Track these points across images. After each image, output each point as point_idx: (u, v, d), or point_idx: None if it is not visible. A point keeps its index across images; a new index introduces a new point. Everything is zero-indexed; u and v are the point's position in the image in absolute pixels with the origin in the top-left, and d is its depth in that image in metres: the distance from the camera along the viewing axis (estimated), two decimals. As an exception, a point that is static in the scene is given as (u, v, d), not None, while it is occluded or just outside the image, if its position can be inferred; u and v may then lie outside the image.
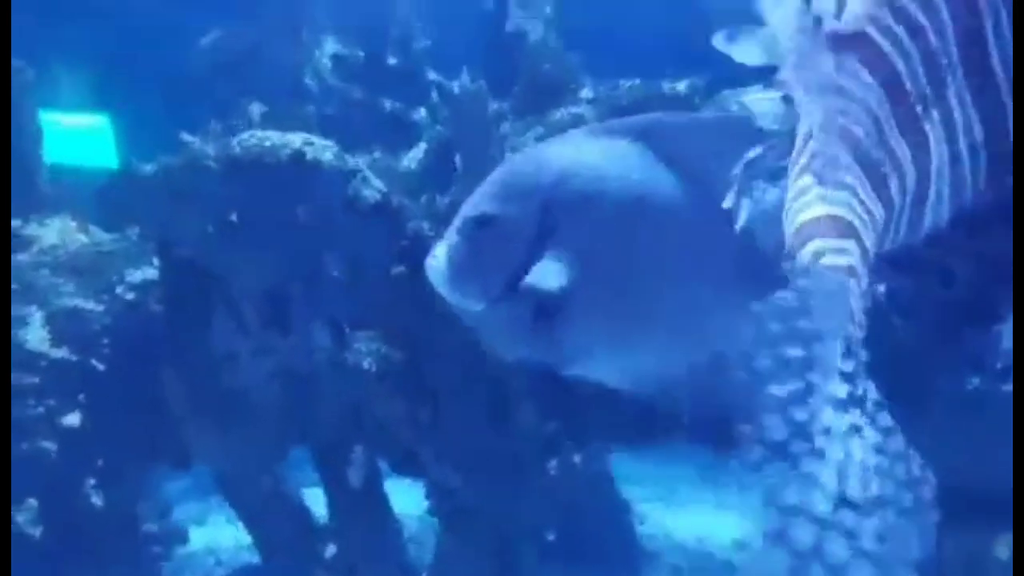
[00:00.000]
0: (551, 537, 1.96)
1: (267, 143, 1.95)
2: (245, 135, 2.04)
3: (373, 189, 1.89)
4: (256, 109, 3.43)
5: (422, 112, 3.34)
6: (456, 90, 3.46)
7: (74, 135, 3.55)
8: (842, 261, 0.68)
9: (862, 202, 0.71)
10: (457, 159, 2.14)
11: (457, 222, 0.96)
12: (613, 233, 0.95)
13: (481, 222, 0.94)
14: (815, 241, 0.68)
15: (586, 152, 0.96)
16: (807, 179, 0.72)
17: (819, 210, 0.71)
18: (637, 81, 2.31)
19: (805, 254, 0.68)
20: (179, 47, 3.84)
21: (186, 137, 2.65)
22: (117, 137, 3.70)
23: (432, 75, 3.68)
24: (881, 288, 0.83)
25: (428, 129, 2.93)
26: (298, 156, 1.87)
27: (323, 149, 1.96)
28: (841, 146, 0.72)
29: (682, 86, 2.26)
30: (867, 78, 0.71)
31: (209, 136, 3.26)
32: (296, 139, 1.97)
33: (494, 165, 2.24)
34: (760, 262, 1.00)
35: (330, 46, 3.59)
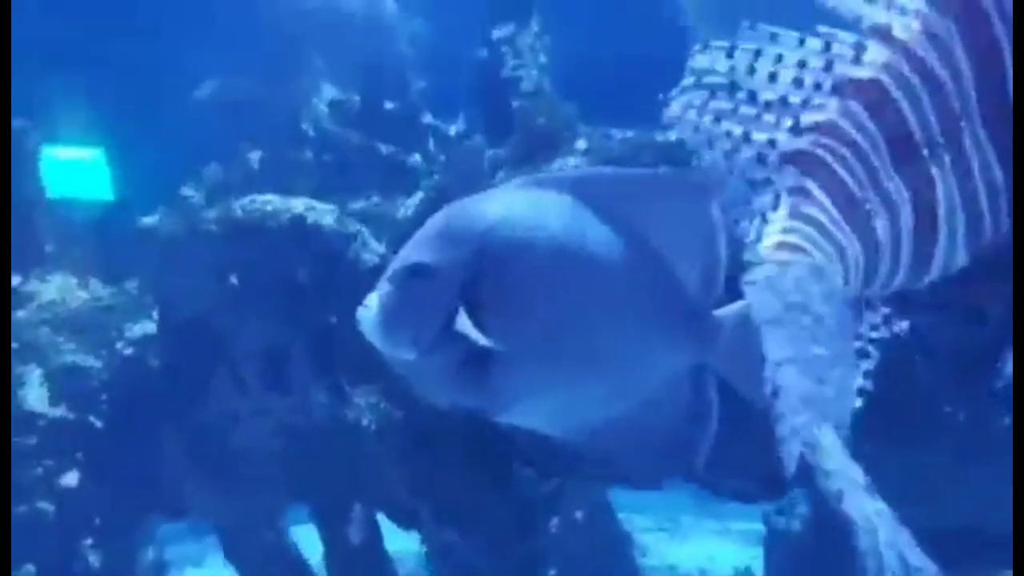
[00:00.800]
0: (552, 573, 1.95)
1: (268, 207, 1.96)
2: (246, 199, 2.05)
3: (372, 252, 1.90)
4: (254, 156, 3.46)
5: (417, 157, 3.38)
6: (452, 134, 3.51)
7: (70, 167, 3.58)
8: (786, 255, 0.76)
9: (829, 236, 0.77)
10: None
11: (389, 271, 0.97)
12: (544, 282, 0.96)
13: (413, 271, 0.95)
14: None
15: (519, 203, 0.97)
16: (782, 211, 0.79)
17: (777, 239, 0.79)
18: (629, 133, 2.34)
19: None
20: (179, 90, 3.89)
21: (186, 191, 2.67)
22: (113, 170, 3.74)
23: (428, 118, 3.73)
24: (904, 325, 0.85)
25: (425, 178, 2.95)
26: (299, 220, 1.89)
27: (324, 213, 1.97)
28: (818, 183, 0.77)
29: (675, 136, 2.28)
30: (868, 123, 0.76)
31: (207, 184, 3.30)
32: (298, 204, 1.98)
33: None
34: (690, 311, 0.99)
35: (327, 91, 3.63)
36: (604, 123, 2.93)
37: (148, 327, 2.19)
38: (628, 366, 0.99)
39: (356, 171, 3.46)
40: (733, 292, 0.96)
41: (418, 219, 2.75)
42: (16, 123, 2.31)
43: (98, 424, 2.09)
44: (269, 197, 2.04)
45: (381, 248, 1.96)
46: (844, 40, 0.77)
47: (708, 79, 0.82)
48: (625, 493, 2.63)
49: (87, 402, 2.10)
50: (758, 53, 0.79)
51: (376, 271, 1.99)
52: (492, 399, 0.96)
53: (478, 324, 0.93)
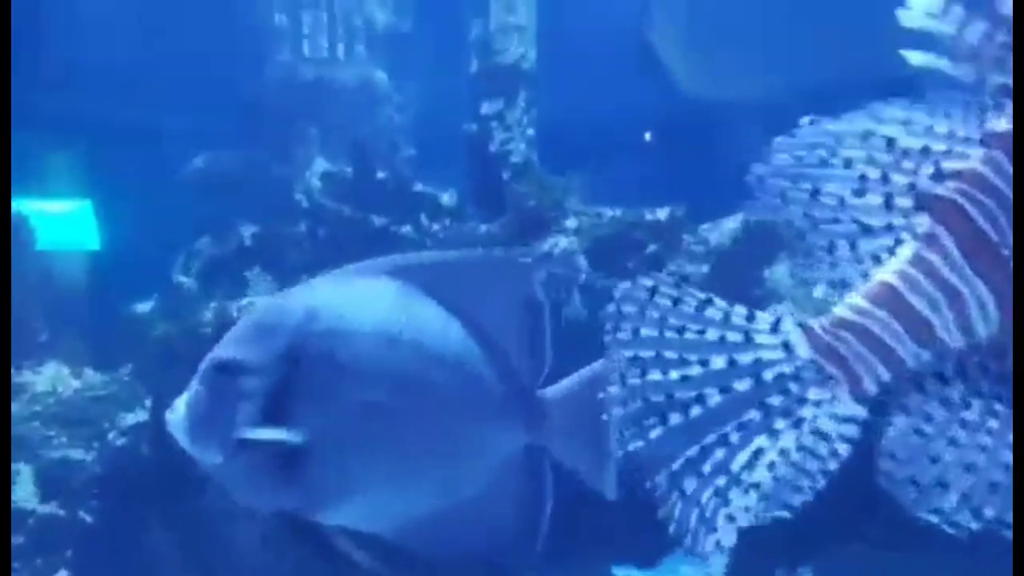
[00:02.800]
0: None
1: None
2: (244, 301, 2.04)
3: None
4: (247, 231, 3.47)
5: (409, 228, 3.39)
6: (444, 203, 3.53)
7: (58, 219, 3.58)
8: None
9: (942, 282, 0.78)
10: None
11: (200, 370, 0.94)
12: (360, 372, 0.93)
13: (221, 368, 0.92)
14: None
15: (338, 292, 0.96)
16: (904, 252, 0.80)
17: (881, 277, 0.80)
18: (618, 212, 2.36)
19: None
20: (172, 159, 3.90)
21: (180, 278, 2.66)
22: (100, 223, 3.74)
23: (419, 187, 3.76)
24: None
25: (417, 250, 2.96)
26: None
27: None
28: (948, 229, 0.79)
29: (663, 214, 2.31)
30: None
31: (200, 260, 3.29)
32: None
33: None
34: (517, 392, 0.97)
35: (320, 163, 3.66)
36: (596, 187, 2.97)
37: (141, 416, 2.16)
38: (454, 455, 0.95)
39: (349, 244, 3.47)
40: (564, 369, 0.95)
41: None
42: (15, 215, 2.31)
43: (88, 519, 2.04)
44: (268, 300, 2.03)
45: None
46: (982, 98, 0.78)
47: (813, 153, 0.83)
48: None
49: (77, 497, 2.05)
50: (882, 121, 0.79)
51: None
52: (308, 497, 0.91)
53: (291, 419, 0.90)
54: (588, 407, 0.92)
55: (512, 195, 2.54)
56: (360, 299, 0.95)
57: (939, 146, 0.79)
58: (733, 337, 0.80)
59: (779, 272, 2.03)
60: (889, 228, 0.81)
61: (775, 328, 0.82)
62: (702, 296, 0.82)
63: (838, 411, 0.77)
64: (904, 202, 0.80)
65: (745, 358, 0.79)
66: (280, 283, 3.36)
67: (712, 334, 0.80)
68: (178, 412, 0.94)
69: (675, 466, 0.77)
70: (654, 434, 0.77)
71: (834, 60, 3.68)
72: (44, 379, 2.27)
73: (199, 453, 0.93)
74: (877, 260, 0.82)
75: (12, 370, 2.22)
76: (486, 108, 3.14)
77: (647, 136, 4.02)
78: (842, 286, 0.86)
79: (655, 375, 0.79)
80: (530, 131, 3.17)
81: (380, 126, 4.07)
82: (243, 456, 0.91)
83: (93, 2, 3.92)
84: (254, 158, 3.81)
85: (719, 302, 0.82)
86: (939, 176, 0.79)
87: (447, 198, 3.57)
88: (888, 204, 0.80)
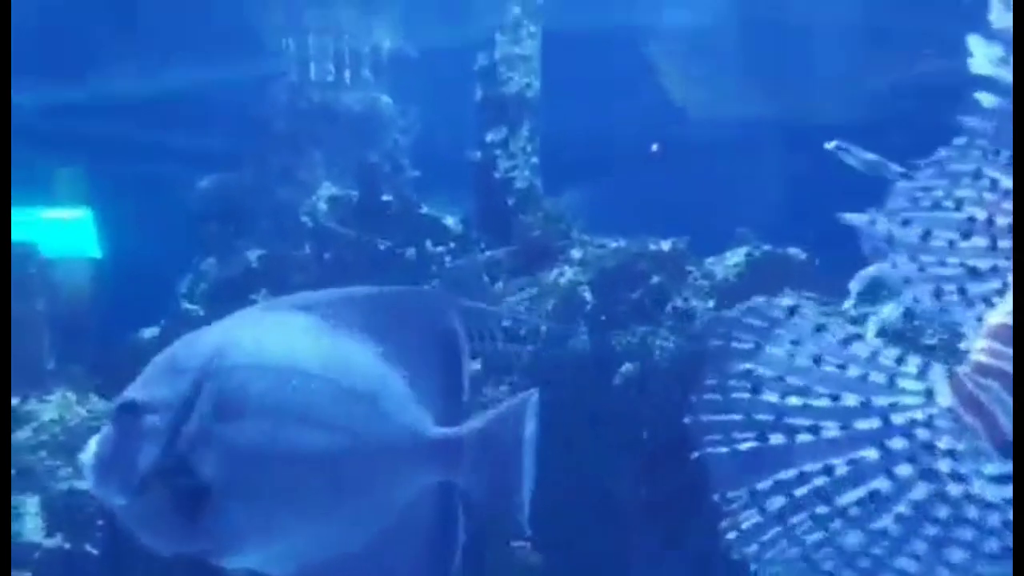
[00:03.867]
0: None
1: None
2: None
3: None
4: (253, 254, 3.47)
5: (414, 251, 3.39)
6: (449, 225, 3.53)
7: (61, 227, 3.59)
8: None
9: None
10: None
11: (111, 410, 0.93)
12: (267, 411, 0.91)
13: (126, 409, 0.91)
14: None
15: (247, 328, 0.93)
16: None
17: (999, 320, 0.78)
18: (622, 242, 2.36)
19: None
20: (179, 182, 3.91)
21: (186, 305, 2.65)
22: (100, 230, 3.75)
23: (424, 210, 3.77)
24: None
25: (423, 275, 2.96)
26: None
27: None
28: None
29: (666, 245, 2.31)
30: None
31: (206, 282, 3.28)
32: None
33: (491, 330, 2.23)
34: (430, 429, 0.94)
35: (326, 188, 3.67)
36: (599, 213, 2.97)
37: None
38: (364, 493, 0.91)
39: (355, 267, 3.48)
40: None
41: None
42: (16, 244, 2.31)
43: (95, 553, 2.03)
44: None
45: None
46: None
47: (928, 195, 0.82)
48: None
49: (83, 530, 2.04)
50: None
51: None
52: (212, 541, 0.89)
53: (195, 460, 0.88)
54: (504, 442, 0.88)
55: (518, 225, 2.55)
56: (268, 335, 0.94)
57: None
58: (876, 378, 0.78)
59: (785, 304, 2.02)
60: (995, 271, 0.80)
61: (922, 373, 0.79)
62: (852, 331, 0.80)
63: (987, 469, 0.74)
64: (1005, 244, 0.79)
65: (881, 400, 0.77)
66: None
67: (853, 371, 0.78)
68: (88, 452, 0.92)
69: (762, 485, 0.75)
70: (746, 447, 0.75)
71: (834, 85, 3.71)
72: (51, 407, 2.26)
73: (103, 494, 0.92)
74: (988, 303, 0.80)
75: (17, 400, 2.22)
76: (491, 136, 3.16)
77: (654, 147, 4.04)
78: (953, 330, 0.85)
79: (770, 396, 0.77)
80: (534, 159, 3.19)
81: (385, 149, 4.08)
82: (146, 498, 0.90)
83: (101, 22, 3.94)
84: (260, 181, 3.81)
85: (870, 339, 0.80)
86: None
87: (452, 222, 3.59)
88: (994, 246, 0.79)
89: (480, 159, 3.10)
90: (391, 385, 0.93)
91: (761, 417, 0.77)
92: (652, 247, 2.32)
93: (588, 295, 2.20)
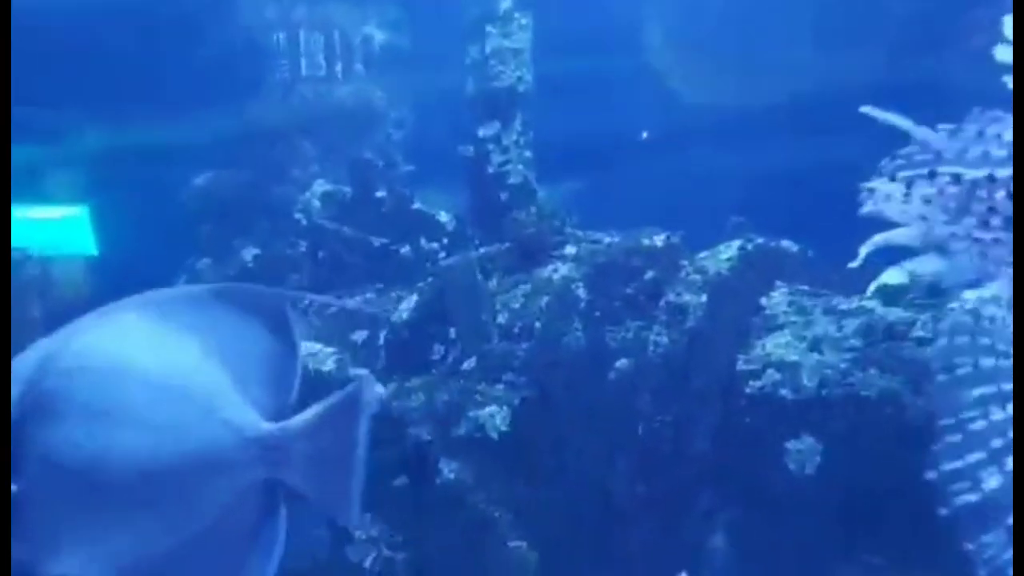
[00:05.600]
0: None
1: None
2: None
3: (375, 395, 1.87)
4: (248, 253, 3.45)
5: (408, 248, 3.38)
6: (442, 220, 3.52)
7: (54, 225, 3.57)
8: None
9: None
10: (452, 331, 2.15)
11: None
12: (89, 417, 0.89)
13: None
14: None
15: (82, 334, 0.93)
16: None
17: None
18: (616, 237, 2.35)
19: None
20: (174, 180, 3.88)
21: None
22: (96, 227, 3.73)
23: (418, 205, 3.74)
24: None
25: (419, 272, 2.95)
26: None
27: (326, 358, 1.95)
28: None
29: (659, 240, 2.30)
30: None
31: (201, 282, 3.26)
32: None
33: (486, 328, 2.22)
34: (256, 430, 0.91)
35: (319, 185, 3.65)
36: (591, 207, 2.94)
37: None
38: (183, 492, 0.90)
39: (350, 264, 3.46)
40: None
41: (414, 326, 2.72)
42: (15, 252, 2.29)
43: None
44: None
45: (382, 390, 1.94)
46: None
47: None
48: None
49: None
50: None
51: (376, 418, 1.95)
52: (30, 547, 0.87)
53: (17, 467, 0.86)
54: (334, 436, 0.87)
55: (511, 222, 2.53)
56: (99, 338, 0.93)
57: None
58: None
59: (777, 300, 2.02)
60: (997, 242, 0.80)
61: None
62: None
63: None
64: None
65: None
66: (281, 304, 3.35)
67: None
68: None
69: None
70: (993, 483, 0.71)
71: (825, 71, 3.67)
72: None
73: None
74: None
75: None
76: (483, 131, 3.13)
77: (644, 135, 4.01)
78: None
79: (997, 413, 0.73)
80: (527, 153, 3.16)
81: (378, 144, 4.05)
82: None
83: (93, 20, 3.89)
84: (254, 178, 3.78)
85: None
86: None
87: (446, 217, 3.57)
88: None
89: (473, 154, 3.07)
90: (217, 382, 0.92)
91: (996, 444, 0.73)
92: (646, 242, 2.31)
93: (582, 292, 2.19)
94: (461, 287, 2.20)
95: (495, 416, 1.86)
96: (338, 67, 4.02)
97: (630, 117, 3.93)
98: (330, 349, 2.10)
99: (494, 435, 1.87)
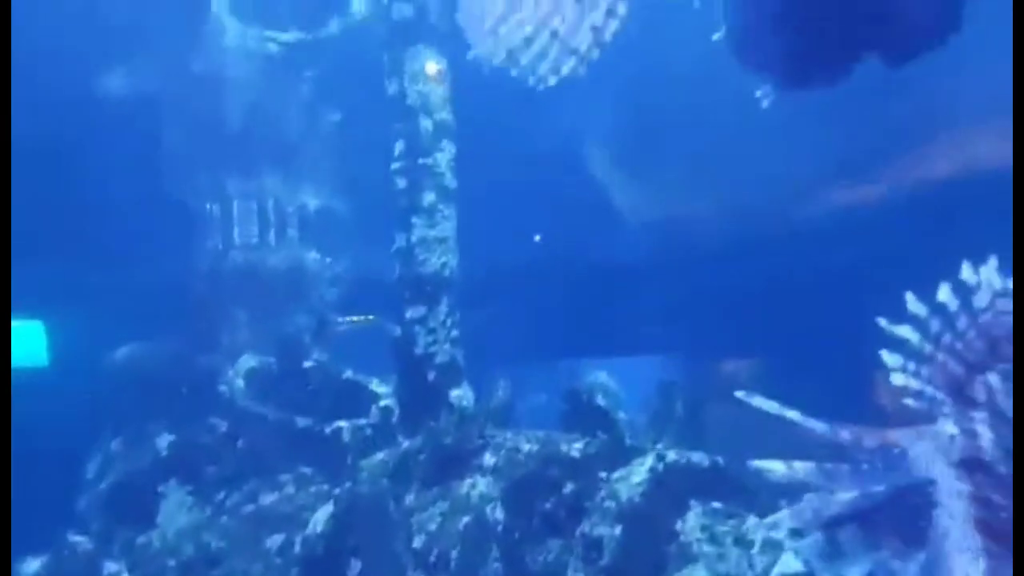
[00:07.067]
0: None
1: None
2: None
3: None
4: (163, 441, 3.29)
5: (334, 426, 3.29)
6: (372, 390, 3.45)
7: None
8: None
9: None
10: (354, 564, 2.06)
11: None
12: None
13: None
14: None
15: None
16: None
17: None
18: (535, 445, 2.33)
19: None
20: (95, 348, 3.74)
21: (73, 537, 2.45)
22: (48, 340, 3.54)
23: (348, 374, 3.69)
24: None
25: (336, 478, 2.85)
26: None
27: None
28: None
29: (576, 449, 2.29)
30: None
31: (110, 475, 3.07)
32: None
33: (396, 552, 2.13)
34: None
35: (244, 361, 3.56)
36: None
37: None
38: None
39: (270, 451, 3.33)
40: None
41: (327, 543, 2.59)
42: None
43: None
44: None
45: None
46: None
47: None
48: None
49: None
50: None
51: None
52: None
53: None
54: None
55: (429, 431, 2.49)
56: None
57: None
58: None
59: (691, 524, 2.00)
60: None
61: None
62: None
63: None
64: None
65: None
66: (197, 496, 3.17)
67: None
68: None
69: None
70: None
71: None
72: None
73: None
74: None
75: None
76: (410, 313, 3.15)
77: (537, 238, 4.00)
78: None
79: None
80: (454, 332, 3.18)
81: (311, 305, 4.03)
82: None
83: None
84: (179, 350, 3.69)
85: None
86: None
87: (377, 384, 3.51)
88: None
89: (401, 335, 3.08)
90: None
91: None
92: (563, 448, 2.29)
93: (500, 513, 2.14)
94: (374, 513, 2.13)
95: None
96: (271, 234, 4.03)
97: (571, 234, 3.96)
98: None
99: None
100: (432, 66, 3.06)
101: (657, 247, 4.13)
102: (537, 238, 4.23)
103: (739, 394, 0.94)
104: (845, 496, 0.92)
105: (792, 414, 0.94)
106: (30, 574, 2.12)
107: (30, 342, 3.61)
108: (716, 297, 3.88)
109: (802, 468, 0.92)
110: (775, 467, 0.92)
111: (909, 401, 0.95)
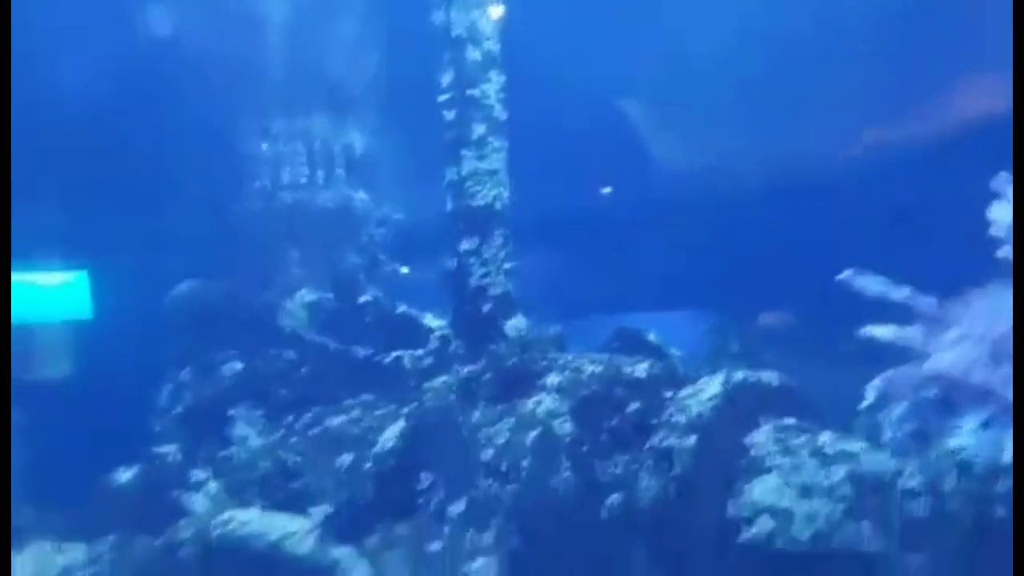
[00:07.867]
0: None
1: (246, 529, 1.91)
2: (226, 515, 2.00)
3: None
4: (229, 368, 3.39)
5: (393, 357, 3.36)
6: (428, 325, 3.50)
7: (49, 292, 3.51)
8: None
9: None
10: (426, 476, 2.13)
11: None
12: None
13: None
14: None
15: None
16: None
17: None
18: (600, 367, 2.36)
19: None
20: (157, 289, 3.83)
21: (159, 449, 2.57)
22: (91, 292, 3.67)
23: (403, 308, 3.74)
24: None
25: (404, 394, 2.93)
26: (275, 547, 1.84)
27: (300, 541, 1.92)
28: None
29: (641, 370, 2.32)
30: None
31: (182, 404, 3.18)
32: (275, 526, 1.93)
33: (467, 463, 2.20)
34: None
35: (303, 290, 3.64)
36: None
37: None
38: None
39: (333, 379, 3.43)
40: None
41: (397, 459, 2.67)
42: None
43: None
44: (248, 517, 1.99)
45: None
46: None
47: None
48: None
49: None
50: None
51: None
52: None
53: None
54: None
55: (492, 355, 2.54)
56: None
57: None
58: None
59: (762, 439, 2.01)
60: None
61: None
62: None
63: None
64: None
65: None
66: (267, 419, 3.30)
67: None
68: None
69: None
70: None
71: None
72: (26, 560, 2.18)
73: None
74: None
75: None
76: (464, 245, 3.17)
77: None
78: None
79: None
80: (507, 265, 3.20)
81: (361, 244, 4.07)
82: None
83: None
84: (237, 287, 3.77)
85: None
86: None
87: (432, 321, 3.56)
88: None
89: (455, 267, 3.10)
90: None
91: None
92: (627, 370, 2.32)
93: (568, 426, 2.19)
94: (443, 428, 2.19)
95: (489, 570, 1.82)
96: (319, 173, 4.06)
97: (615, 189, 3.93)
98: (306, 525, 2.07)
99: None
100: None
101: (698, 195, 4.06)
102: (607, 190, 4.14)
103: (846, 273, 0.95)
104: (940, 362, 0.94)
105: (900, 292, 0.95)
106: (123, 483, 2.24)
107: (76, 293, 3.71)
108: (762, 249, 3.82)
109: (907, 331, 0.94)
110: (884, 331, 0.93)
111: None
